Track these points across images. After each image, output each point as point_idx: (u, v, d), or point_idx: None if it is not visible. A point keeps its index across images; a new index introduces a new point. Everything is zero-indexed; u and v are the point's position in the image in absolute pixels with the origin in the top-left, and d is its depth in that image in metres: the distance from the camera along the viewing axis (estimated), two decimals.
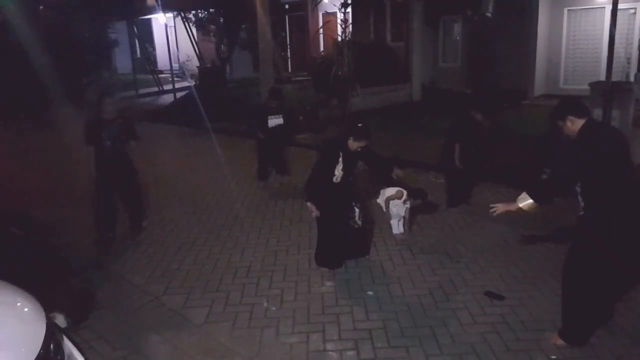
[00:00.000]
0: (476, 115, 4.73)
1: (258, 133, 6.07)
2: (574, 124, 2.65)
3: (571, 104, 2.73)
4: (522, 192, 2.76)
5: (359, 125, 3.63)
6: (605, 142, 2.61)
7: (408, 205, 4.32)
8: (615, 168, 2.57)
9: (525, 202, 2.69)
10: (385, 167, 3.93)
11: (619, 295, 2.99)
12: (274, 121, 6.01)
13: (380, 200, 4.49)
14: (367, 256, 4.07)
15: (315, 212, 3.69)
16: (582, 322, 2.82)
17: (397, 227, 4.51)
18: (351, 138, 3.58)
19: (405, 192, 4.29)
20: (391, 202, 4.36)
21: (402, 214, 4.37)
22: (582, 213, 2.66)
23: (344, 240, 3.81)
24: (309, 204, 3.70)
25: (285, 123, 6.15)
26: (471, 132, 4.80)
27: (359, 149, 3.63)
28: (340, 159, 3.61)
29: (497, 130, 4.90)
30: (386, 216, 4.49)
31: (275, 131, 6.06)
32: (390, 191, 4.39)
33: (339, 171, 3.64)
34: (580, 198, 2.64)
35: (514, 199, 2.77)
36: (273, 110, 6.03)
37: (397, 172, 3.89)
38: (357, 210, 3.89)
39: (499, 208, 2.84)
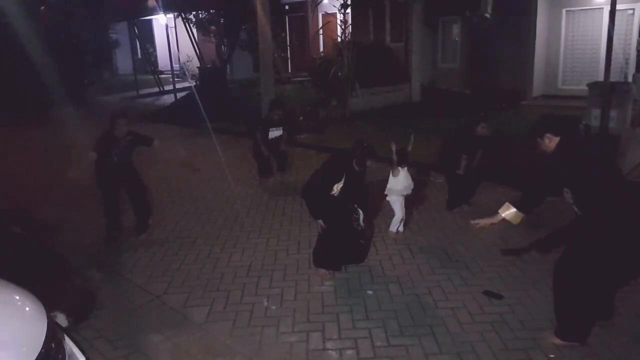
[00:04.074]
0: (477, 129, 4.76)
1: (263, 149, 6.07)
2: (551, 142, 2.77)
3: (548, 122, 2.85)
4: (521, 192, 2.82)
5: (364, 144, 3.67)
6: (581, 156, 2.72)
7: (406, 168, 4.29)
8: (596, 178, 2.64)
9: (508, 211, 2.81)
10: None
11: (615, 293, 3.00)
12: (274, 133, 6.09)
13: (389, 196, 4.47)
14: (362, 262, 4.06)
15: (324, 226, 3.70)
16: (576, 320, 2.84)
17: (395, 226, 4.52)
18: (354, 161, 3.62)
19: (393, 149, 4.24)
20: (395, 182, 4.31)
21: (408, 183, 4.33)
22: (580, 219, 2.71)
23: (345, 243, 3.82)
24: (320, 221, 3.70)
25: (285, 130, 6.22)
26: (474, 144, 4.86)
27: (362, 170, 3.67)
28: (343, 179, 3.63)
29: (496, 139, 4.97)
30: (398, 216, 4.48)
31: (275, 142, 6.15)
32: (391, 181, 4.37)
33: (338, 187, 3.66)
34: (575, 208, 2.71)
35: (503, 203, 2.87)
36: (275, 122, 6.10)
37: None
38: (360, 212, 3.90)
39: (482, 222, 2.98)
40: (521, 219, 2.81)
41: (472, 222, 3.03)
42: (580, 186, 2.65)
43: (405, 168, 4.31)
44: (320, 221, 3.72)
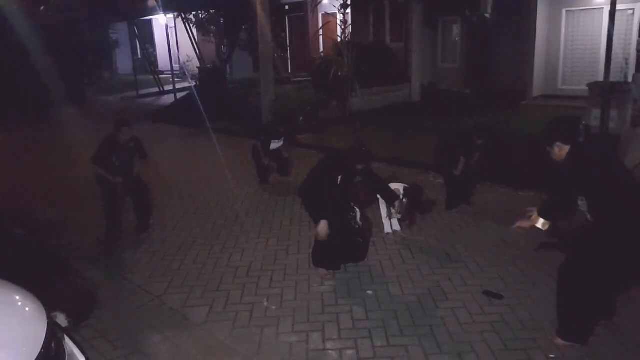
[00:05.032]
0: (477, 141, 4.82)
1: (264, 160, 6.14)
2: (562, 150, 2.73)
3: (558, 130, 2.80)
4: (520, 193, 2.83)
5: (362, 148, 3.69)
6: (591, 165, 2.69)
7: (405, 200, 4.35)
8: (609, 186, 2.63)
9: (539, 221, 2.80)
10: (384, 191, 4.04)
11: (618, 294, 3.01)
12: (275, 145, 6.17)
13: (382, 204, 4.50)
14: (362, 261, 4.07)
15: (324, 234, 3.62)
16: (578, 320, 2.83)
17: (389, 226, 4.53)
18: (355, 161, 3.62)
19: (402, 192, 4.32)
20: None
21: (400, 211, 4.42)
22: (591, 223, 2.72)
23: (343, 242, 3.82)
24: (321, 223, 3.59)
25: (286, 140, 6.35)
26: (472, 147, 4.90)
27: (360, 168, 3.67)
28: (339, 178, 3.63)
29: (496, 140, 5.01)
30: (385, 215, 4.52)
31: (275, 151, 6.22)
32: None
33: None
34: (588, 215, 2.71)
35: (514, 202, 2.86)
36: (276, 135, 6.20)
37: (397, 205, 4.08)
38: (357, 210, 3.91)
39: (519, 225, 2.95)
40: (547, 225, 2.81)
41: (513, 227, 3.01)
42: (592, 190, 2.63)
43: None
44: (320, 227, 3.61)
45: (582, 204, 2.72)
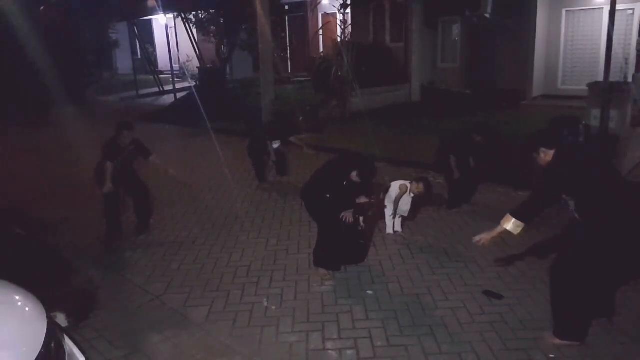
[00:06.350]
0: (477, 139, 4.87)
1: (265, 157, 6.16)
2: (547, 155, 2.82)
3: (542, 137, 2.93)
4: (520, 193, 2.84)
5: (369, 167, 3.70)
6: (579, 159, 2.79)
7: (412, 195, 4.36)
8: (596, 179, 2.67)
9: (509, 222, 2.80)
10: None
11: (615, 292, 3.01)
12: (272, 146, 6.16)
13: (385, 196, 4.49)
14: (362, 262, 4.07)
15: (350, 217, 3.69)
16: (574, 319, 2.84)
17: (391, 226, 4.53)
18: (355, 172, 3.61)
19: (408, 186, 4.32)
20: (400, 201, 4.39)
21: (408, 207, 4.41)
22: (580, 222, 2.73)
23: (345, 243, 3.82)
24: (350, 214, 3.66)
25: (284, 142, 6.34)
26: (469, 148, 4.94)
27: (357, 181, 3.66)
28: (338, 187, 3.64)
29: (495, 140, 5.05)
30: (388, 213, 4.50)
31: (273, 152, 6.22)
32: (395, 188, 4.39)
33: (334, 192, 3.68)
34: (576, 215, 2.73)
35: (514, 202, 2.86)
36: (274, 136, 6.20)
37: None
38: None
39: (484, 239, 2.92)
40: (522, 229, 2.79)
41: (475, 239, 2.97)
42: (581, 190, 2.66)
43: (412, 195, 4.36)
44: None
45: (570, 203, 2.73)
